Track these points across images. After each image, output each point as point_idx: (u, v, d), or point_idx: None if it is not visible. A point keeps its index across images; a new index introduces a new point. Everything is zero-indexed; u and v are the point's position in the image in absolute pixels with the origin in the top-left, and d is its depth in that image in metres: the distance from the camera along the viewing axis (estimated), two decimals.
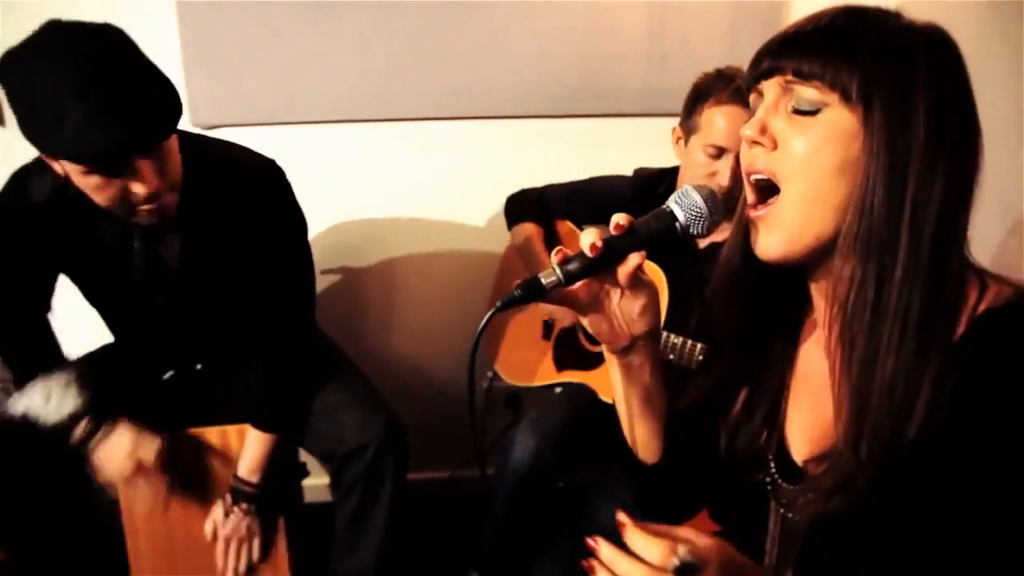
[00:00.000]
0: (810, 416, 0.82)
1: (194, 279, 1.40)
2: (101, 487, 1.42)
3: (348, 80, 1.96)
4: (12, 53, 1.13)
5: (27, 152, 1.17)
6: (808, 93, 0.70)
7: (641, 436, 0.93)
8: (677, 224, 0.79)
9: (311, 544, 1.63)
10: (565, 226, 1.82)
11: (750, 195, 0.76)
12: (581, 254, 0.78)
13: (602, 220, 0.83)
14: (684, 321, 1.53)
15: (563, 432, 1.64)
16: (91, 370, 1.42)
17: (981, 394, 0.65)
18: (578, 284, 0.80)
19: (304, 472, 1.69)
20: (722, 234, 0.88)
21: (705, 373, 0.90)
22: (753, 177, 0.74)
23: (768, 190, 0.74)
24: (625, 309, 0.84)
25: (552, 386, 1.82)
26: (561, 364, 1.82)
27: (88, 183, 1.17)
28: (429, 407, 2.03)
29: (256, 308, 1.46)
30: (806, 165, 0.70)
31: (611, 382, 0.92)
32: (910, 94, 0.67)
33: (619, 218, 0.79)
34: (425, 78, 1.98)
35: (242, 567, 1.48)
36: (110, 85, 1.11)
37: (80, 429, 1.36)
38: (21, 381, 1.37)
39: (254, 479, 1.46)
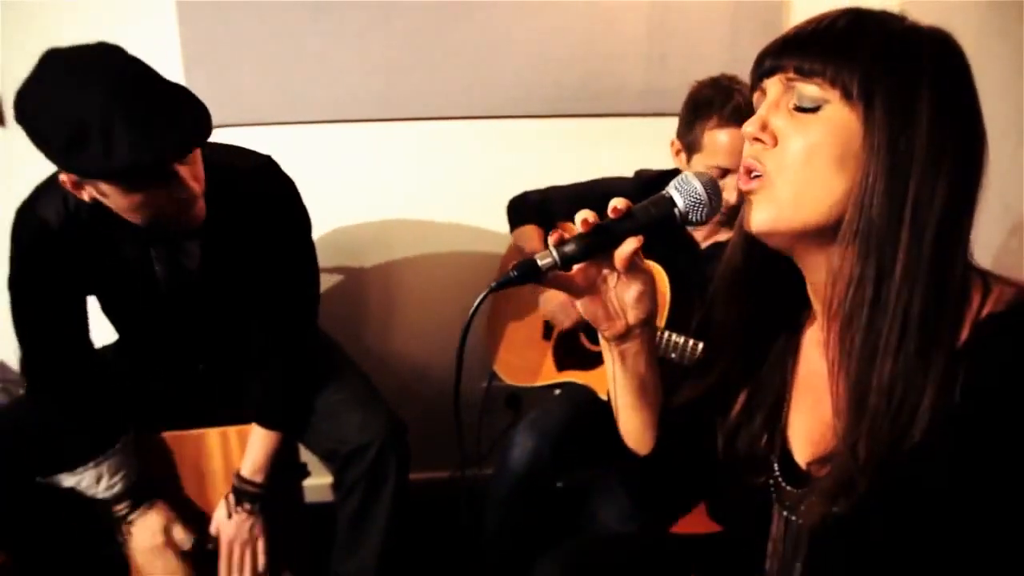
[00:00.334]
0: (812, 418, 0.82)
1: (215, 284, 1.41)
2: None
3: (348, 80, 1.96)
4: (29, 91, 1.13)
5: (28, 152, 1.17)
6: (809, 90, 0.71)
7: (634, 426, 0.93)
8: (676, 210, 0.79)
9: (312, 544, 1.63)
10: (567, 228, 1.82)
11: (742, 176, 0.76)
12: (578, 236, 0.78)
13: None
14: (686, 320, 1.53)
15: (563, 432, 1.63)
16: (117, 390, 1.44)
17: (986, 400, 0.64)
18: (575, 268, 0.80)
19: (305, 472, 1.69)
20: (725, 235, 0.88)
21: (702, 371, 0.90)
22: (753, 174, 0.75)
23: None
24: (621, 295, 0.84)
25: (552, 386, 1.82)
26: (561, 364, 1.82)
27: (128, 202, 1.18)
28: (429, 407, 2.02)
29: (263, 307, 1.47)
30: (805, 160, 0.71)
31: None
32: (913, 93, 0.68)
33: (617, 202, 0.79)
34: (425, 78, 1.98)
35: (247, 570, 1.47)
36: (147, 98, 1.13)
37: (121, 506, 1.41)
38: (73, 464, 1.37)
39: (258, 479, 1.46)
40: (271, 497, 1.48)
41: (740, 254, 0.82)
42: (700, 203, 0.78)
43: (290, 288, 1.48)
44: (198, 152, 1.25)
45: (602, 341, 0.89)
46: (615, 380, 0.90)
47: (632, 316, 0.84)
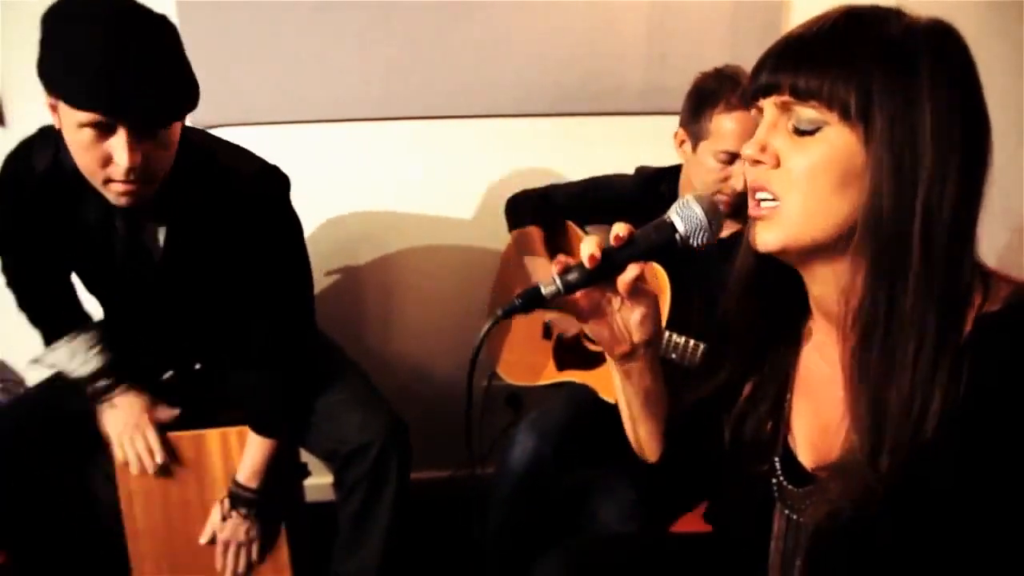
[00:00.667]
0: (813, 421, 0.83)
1: (178, 273, 1.40)
2: (102, 467, 1.48)
3: (348, 80, 1.96)
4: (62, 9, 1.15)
5: None
6: (807, 113, 0.70)
7: (642, 436, 0.95)
8: (677, 235, 0.80)
9: (313, 544, 1.63)
10: (568, 227, 1.82)
11: (752, 202, 0.76)
12: (581, 264, 0.79)
13: (605, 219, 0.83)
14: (686, 320, 1.53)
15: (563, 432, 1.63)
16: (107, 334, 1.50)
17: (989, 399, 0.65)
18: (579, 293, 0.80)
19: (305, 472, 1.69)
20: (727, 230, 0.89)
21: (709, 371, 0.90)
22: (758, 195, 0.74)
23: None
24: (625, 317, 0.85)
25: (553, 386, 1.82)
26: (562, 364, 1.82)
27: (79, 138, 1.16)
28: (429, 407, 2.03)
29: (252, 312, 1.46)
30: (808, 182, 0.70)
31: (612, 382, 0.93)
32: (913, 102, 0.67)
33: (619, 229, 0.79)
34: (425, 78, 1.98)
35: (241, 570, 1.48)
36: (139, 56, 1.13)
37: (99, 384, 1.44)
38: (48, 341, 1.47)
39: (252, 484, 1.46)
40: (266, 501, 1.48)
41: (751, 256, 0.82)
42: (701, 228, 0.79)
43: (278, 296, 1.46)
44: (169, 140, 1.23)
45: (608, 359, 0.89)
46: (622, 394, 0.92)
47: (637, 337, 0.85)
